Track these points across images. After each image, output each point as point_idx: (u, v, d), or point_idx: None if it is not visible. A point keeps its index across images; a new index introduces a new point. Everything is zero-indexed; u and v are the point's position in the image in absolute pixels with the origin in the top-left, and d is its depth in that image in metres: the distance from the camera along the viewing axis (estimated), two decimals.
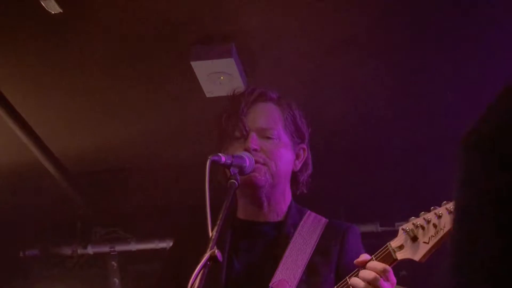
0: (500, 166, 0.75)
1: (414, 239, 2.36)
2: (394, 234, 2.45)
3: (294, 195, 2.83)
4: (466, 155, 0.81)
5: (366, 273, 2.39)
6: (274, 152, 2.69)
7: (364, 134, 5.06)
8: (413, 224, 2.37)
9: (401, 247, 2.39)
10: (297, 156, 2.80)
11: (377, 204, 5.55)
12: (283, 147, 2.73)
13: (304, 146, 2.83)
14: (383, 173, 5.36)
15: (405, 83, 4.61)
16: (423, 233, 2.34)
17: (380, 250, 2.43)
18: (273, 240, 2.72)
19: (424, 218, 2.35)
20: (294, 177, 2.81)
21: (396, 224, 5.45)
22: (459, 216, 0.82)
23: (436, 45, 4.27)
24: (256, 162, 2.63)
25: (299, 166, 2.81)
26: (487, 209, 0.76)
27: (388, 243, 2.42)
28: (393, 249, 2.39)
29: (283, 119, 2.77)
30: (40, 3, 3.85)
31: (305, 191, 2.85)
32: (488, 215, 0.76)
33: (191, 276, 2.19)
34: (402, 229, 2.40)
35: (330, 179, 5.18)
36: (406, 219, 5.32)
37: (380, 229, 5.56)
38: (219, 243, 2.30)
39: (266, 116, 2.76)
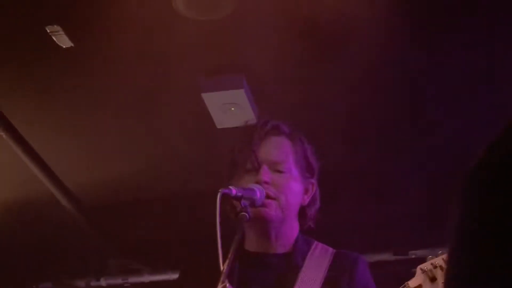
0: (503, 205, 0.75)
1: (433, 279, 2.34)
2: (407, 263, 2.44)
3: (301, 229, 2.83)
4: (470, 190, 0.81)
5: None
6: (284, 186, 2.69)
7: (379, 161, 5.05)
8: (432, 264, 2.35)
9: (419, 287, 2.37)
10: (306, 191, 2.79)
11: (391, 233, 5.52)
12: (293, 181, 2.73)
13: (313, 181, 2.83)
14: (397, 202, 5.33)
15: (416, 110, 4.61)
16: (442, 273, 2.32)
17: None
18: (282, 272, 2.70)
19: (443, 258, 2.33)
20: (302, 212, 2.80)
21: (410, 252, 5.43)
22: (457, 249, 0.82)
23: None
24: (267, 196, 2.62)
25: (307, 200, 2.80)
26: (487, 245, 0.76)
27: (406, 283, 2.40)
28: None
29: (295, 154, 2.77)
30: (51, 37, 3.89)
31: (312, 226, 2.84)
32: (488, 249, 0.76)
33: None
34: (421, 269, 2.38)
35: (345, 208, 5.18)
36: (419, 248, 5.29)
37: (393, 257, 5.52)
38: (228, 276, 2.29)
39: (278, 149, 2.76)
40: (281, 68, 4.24)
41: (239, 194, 2.52)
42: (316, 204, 2.84)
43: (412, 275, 2.44)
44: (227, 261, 2.29)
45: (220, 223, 2.37)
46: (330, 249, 2.79)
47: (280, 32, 3.97)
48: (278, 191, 2.66)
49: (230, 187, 2.53)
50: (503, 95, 4.37)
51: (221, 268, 2.26)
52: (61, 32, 3.87)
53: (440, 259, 2.34)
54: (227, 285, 2.20)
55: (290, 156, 2.77)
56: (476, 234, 0.80)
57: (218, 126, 4.58)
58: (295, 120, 3.05)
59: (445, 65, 4.21)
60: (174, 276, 5.78)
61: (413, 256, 5.37)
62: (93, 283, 6.01)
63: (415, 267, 2.46)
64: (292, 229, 2.78)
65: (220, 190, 2.48)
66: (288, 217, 2.72)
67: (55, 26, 3.84)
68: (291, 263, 2.71)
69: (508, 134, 0.79)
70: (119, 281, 5.97)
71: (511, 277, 0.72)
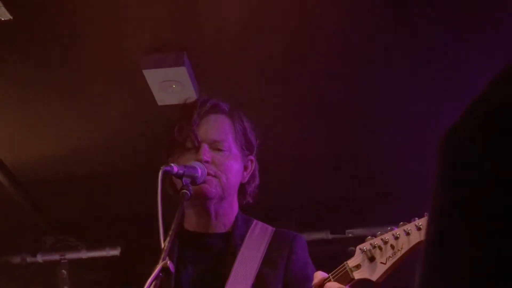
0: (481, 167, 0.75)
1: (372, 259, 2.37)
2: (344, 242, 2.47)
3: (240, 205, 2.85)
4: (447, 152, 0.81)
5: None
6: (225, 164, 2.71)
7: (316, 140, 5.10)
8: (371, 244, 2.39)
9: (358, 266, 2.41)
10: (245, 168, 2.83)
11: (327, 212, 5.59)
12: (233, 159, 2.75)
13: (252, 157, 2.86)
14: (334, 181, 5.40)
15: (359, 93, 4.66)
16: (381, 253, 2.36)
17: (337, 269, 2.44)
18: (220, 252, 2.72)
19: (381, 239, 2.37)
20: (242, 189, 2.83)
21: (347, 231, 5.51)
22: (435, 215, 0.82)
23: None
24: (208, 174, 2.64)
25: (247, 177, 2.83)
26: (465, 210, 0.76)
27: (345, 262, 2.43)
28: (350, 269, 2.41)
29: (234, 131, 2.80)
30: None
31: (251, 201, 2.87)
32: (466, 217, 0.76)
33: (140, 286, 2.19)
34: (360, 248, 2.42)
35: (281, 186, 5.22)
36: (356, 227, 5.37)
37: (330, 236, 5.60)
38: (169, 254, 2.29)
39: (218, 128, 2.78)
40: (222, 46, 4.24)
41: (181, 171, 2.53)
42: (256, 180, 2.88)
43: (349, 253, 2.47)
44: (168, 239, 2.29)
45: (161, 200, 2.37)
46: (270, 228, 2.82)
47: (222, 8, 3.96)
48: (218, 170, 2.69)
49: (172, 164, 2.53)
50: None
51: (162, 245, 2.27)
52: (0, 4, 3.79)
53: (379, 240, 2.37)
54: (168, 262, 2.21)
55: (230, 134, 2.79)
56: (445, 208, 0.80)
57: (159, 103, 4.56)
58: (236, 98, 3.07)
59: None
60: (112, 252, 5.77)
61: (350, 235, 5.45)
62: (29, 259, 5.95)
63: (352, 246, 2.50)
64: (232, 208, 2.81)
65: (161, 168, 2.48)
66: (228, 195, 2.75)
67: None
68: (229, 243, 2.73)
69: (484, 100, 0.79)
70: (56, 257, 5.92)
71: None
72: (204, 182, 2.62)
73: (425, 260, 0.81)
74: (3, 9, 3.84)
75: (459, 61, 4.29)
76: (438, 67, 4.36)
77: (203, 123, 2.77)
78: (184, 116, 2.79)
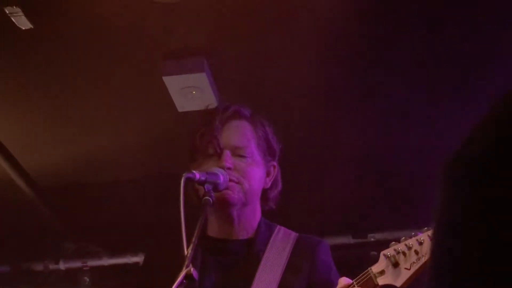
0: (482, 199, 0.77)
1: (396, 265, 2.37)
2: (366, 246, 2.46)
3: (263, 211, 2.84)
4: (448, 183, 0.83)
5: None
6: (247, 170, 2.70)
7: (338, 145, 5.08)
8: (395, 250, 2.38)
9: (382, 272, 2.40)
10: (268, 174, 2.81)
11: (349, 216, 5.57)
12: (256, 166, 2.74)
13: (275, 163, 2.85)
14: (356, 185, 5.37)
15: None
16: (405, 259, 2.36)
17: (361, 275, 2.43)
18: (243, 258, 2.72)
19: (405, 244, 2.36)
20: (264, 194, 2.82)
21: (369, 235, 5.48)
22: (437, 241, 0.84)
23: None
24: (230, 180, 2.63)
25: (269, 183, 2.82)
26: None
27: (369, 268, 2.43)
28: (374, 274, 2.40)
29: (256, 137, 2.79)
30: (10, 19, 3.83)
31: (273, 207, 2.86)
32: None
33: None
34: (384, 254, 2.41)
35: (302, 191, 5.20)
36: (378, 231, 5.33)
37: (352, 240, 5.57)
38: (192, 261, 2.29)
39: (240, 134, 2.77)
40: (242, 51, 4.24)
41: (203, 178, 2.52)
42: (278, 186, 2.87)
43: (371, 258, 2.46)
44: (191, 246, 2.29)
45: (184, 207, 2.36)
46: (293, 234, 2.81)
47: (242, 15, 3.97)
48: (241, 176, 2.68)
49: (194, 171, 2.53)
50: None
51: (185, 252, 2.26)
52: (21, 14, 3.82)
53: (402, 245, 2.37)
54: (192, 269, 2.21)
55: (252, 140, 2.78)
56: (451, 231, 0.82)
57: (179, 110, 4.57)
58: (256, 103, 3.07)
59: None
60: (134, 259, 5.77)
61: (372, 240, 5.43)
62: (51, 266, 5.96)
63: (374, 250, 2.49)
64: (254, 214, 2.80)
65: (183, 175, 2.48)
66: (251, 201, 2.74)
67: (15, 7, 3.79)
68: (253, 249, 2.72)
69: (486, 127, 0.81)
70: (78, 264, 5.94)
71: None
72: (226, 188, 2.61)
73: (432, 260, 0.83)
74: (24, 18, 3.86)
75: (467, 68, 4.28)
76: (448, 72, 4.35)
77: (225, 129, 2.76)
78: (206, 122, 2.79)
